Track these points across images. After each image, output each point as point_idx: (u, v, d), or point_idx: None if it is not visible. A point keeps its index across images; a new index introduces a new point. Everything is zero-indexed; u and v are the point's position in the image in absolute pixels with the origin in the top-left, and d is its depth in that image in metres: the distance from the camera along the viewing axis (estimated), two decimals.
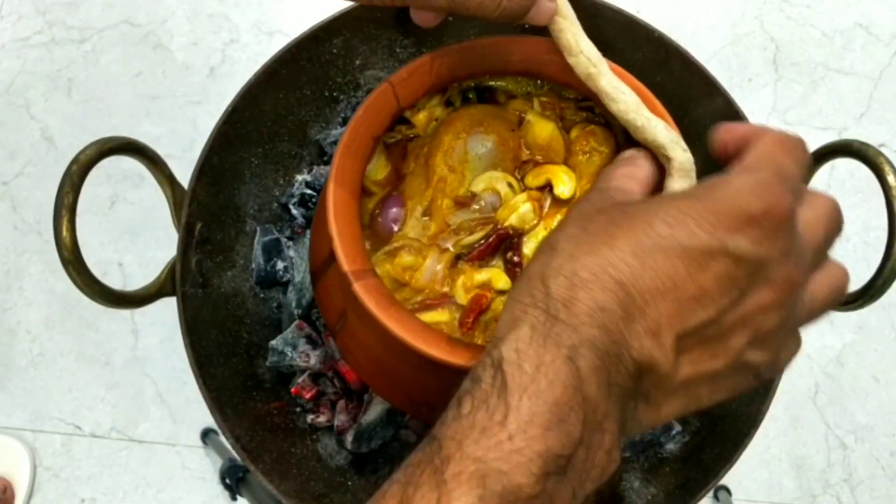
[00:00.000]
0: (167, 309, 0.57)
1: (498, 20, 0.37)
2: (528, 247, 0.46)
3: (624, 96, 0.40)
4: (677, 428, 0.66)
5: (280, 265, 0.69)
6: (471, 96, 0.49)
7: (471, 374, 0.29)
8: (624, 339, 0.29)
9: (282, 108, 0.68)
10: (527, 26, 0.40)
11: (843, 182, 1.16)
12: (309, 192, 0.71)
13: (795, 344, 0.34)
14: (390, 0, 0.36)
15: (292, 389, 0.66)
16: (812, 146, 0.56)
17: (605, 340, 0.28)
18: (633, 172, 0.36)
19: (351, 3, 0.40)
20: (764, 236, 0.30)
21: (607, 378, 0.28)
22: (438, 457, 0.27)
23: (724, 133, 0.35)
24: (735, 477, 1.07)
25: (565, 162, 0.47)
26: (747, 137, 0.34)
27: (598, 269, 0.29)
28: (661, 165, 0.41)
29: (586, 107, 0.48)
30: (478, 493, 0.26)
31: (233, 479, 0.98)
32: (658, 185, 0.40)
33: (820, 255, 0.33)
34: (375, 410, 0.65)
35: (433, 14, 0.39)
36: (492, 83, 0.49)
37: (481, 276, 0.45)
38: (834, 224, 0.33)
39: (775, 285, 0.30)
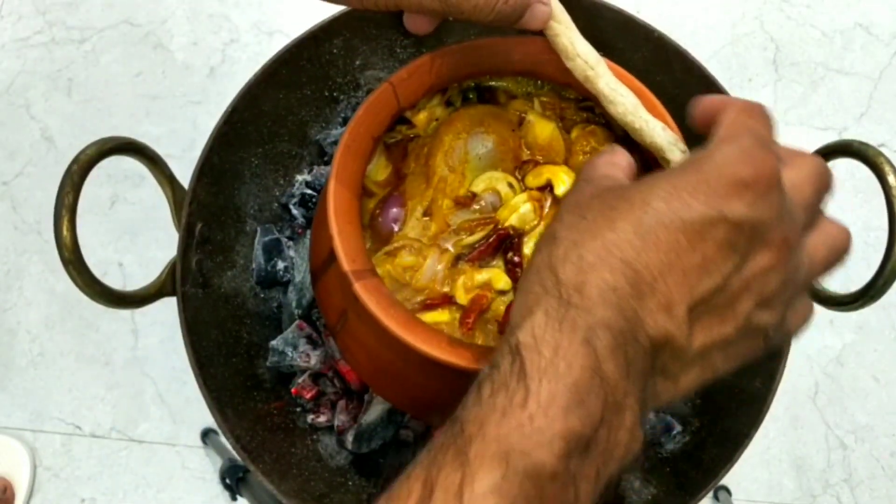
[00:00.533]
0: (167, 309, 0.57)
1: (492, 24, 0.37)
2: (529, 247, 0.46)
3: (622, 98, 0.40)
4: (677, 428, 0.66)
5: (280, 265, 0.69)
6: (471, 96, 0.49)
7: (491, 361, 0.29)
8: (637, 316, 0.29)
9: (282, 108, 0.68)
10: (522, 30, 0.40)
11: (843, 182, 1.16)
12: (309, 192, 0.71)
13: (805, 308, 0.35)
14: (384, 4, 0.36)
15: (292, 389, 0.66)
16: (812, 146, 0.56)
17: (620, 320, 0.29)
18: (614, 160, 0.36)
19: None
20: (757, 199, 0.31)
21: (625, 357, 0.28)
22: (461, 438, 0.27)
23: (697, 107, 0.36)
24: (735, 477, 1.07)
25: (566, 162, 0.47)
26: (716, 108, 0.35)
27: (604, 251, 0.29)
28: (642, 156, 0.41)
29: (587, 107, 0.48)
30: (501, 471, 0.26)
31: (233, 479, 0.98)
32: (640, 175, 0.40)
33: (812, 213, 0.34)
34: (376, 410, 0.65)
35: (426, 20, 0.39)
36: (492, 83, 0.49)
37: (482, 276, 0.45)
38: (821, 180, 0.34)
39: (773, 247, 0.31)
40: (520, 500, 0.26)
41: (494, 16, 0.36)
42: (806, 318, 0.35)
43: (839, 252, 0.35)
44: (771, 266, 0.32)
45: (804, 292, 0.35)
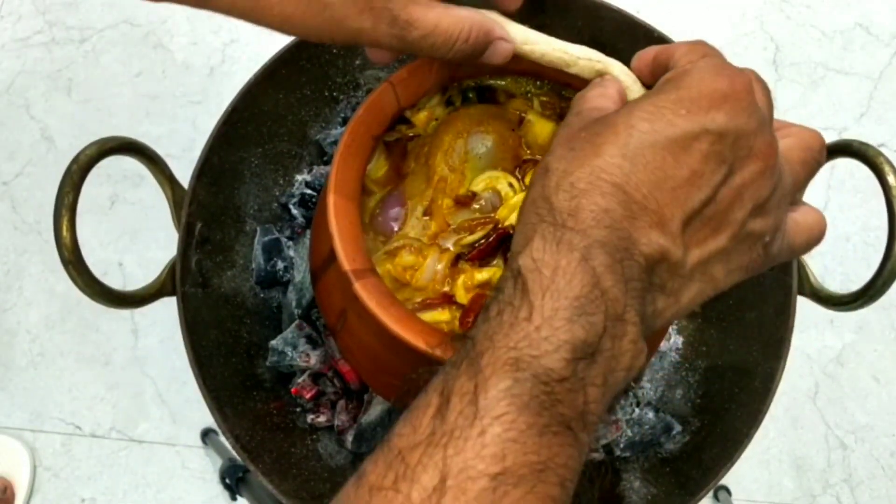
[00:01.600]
0: (167, 309, 0.57)
1: (453, 61, 0.37)
2: None
3: (574, 50, 0.39)
4: (677, 428, 0.66)
5: (280, 265, 0.69)
6: (471, 96, 0.49)
7: (494, 288, 0.31)
8: (631, 235, 0.30)
9: (282, 108, 0.68)
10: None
11: (843, 182, 1.16)
12: (309, 192, 0.71)
13: (808, 220, 0.37)
14: (342, 40, 0.36)
15: (292, 389, 0.66)
16: None
17: (614, 239, 0.30)
18: (603, 92, 0.37)
19: None
20: (736, 109, 0.32)
21: (622, 274, 0.29)
22: (473, 352, 0.29)
23: (643, 56, 0.38)
24: (735, 477, 1.07)
25: None
26: (667, 53, 0.36)
27: (594, 177, 0.30)
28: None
29: None
30: (512, 376, 0.27)
31: (233, 479, 0.98)
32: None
33: (798, 186, 0.36)
34: (375, 410, 0.65)
35: (386, 53, 0.39)
36: (492, 83, 0.49)
37: (482, 275, 0.45)
38: (808, 149, 0.36)
39: (759, 153, 0.33)
40: (532, 403, 0.27)
41: (453, 54, 0.37)
42: (811, 230, 0.37)
43: (816, 233, 0.37)
44: (759, 172, 0.33)
45: (803, 204, 0.37)
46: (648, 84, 0.38)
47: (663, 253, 0.31)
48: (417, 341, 0.40)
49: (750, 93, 0.33)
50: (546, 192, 0.31)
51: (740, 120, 0.32)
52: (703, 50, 0.35)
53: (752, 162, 0.32)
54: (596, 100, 0.36)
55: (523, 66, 0.43)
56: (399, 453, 0.28)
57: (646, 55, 0.37)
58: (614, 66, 0.39)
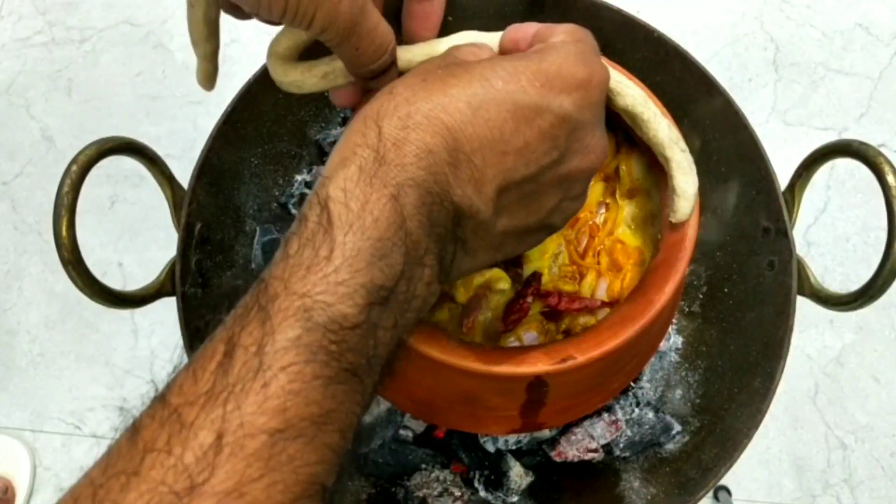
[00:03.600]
0: (167, 309, 0.57)
1: (361, 66, 0.36)
2: None
3: (629, 90, 0.40)
4: (677, 428, 0.66)
5: None
6: None
7: (299, 215, 0.29)
8: (448, 181, 0.30)
9: (281, 108, 0.68)
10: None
11: (843, 182, 1.16)
12: (308, 192, 0.71)
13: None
14: (311, 87, 0.37)
15: None
16: (812, 146, 0.56)
17: (430, 181, 0.30)
18: (476, 51, 0.36)
19: None
20: (584, 101, 0.32)
21: (429, 216, 0.30)
22: (265, 296, 0.28)
23: (514, 32, 0.37)
24: (735, 477, 1.07)
25: None
26: (549, 31, 0.35)
27: (431, 114, 0.30)
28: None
29: None
30: (302, 325, 0.27)
31: None
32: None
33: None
34: (375, 410, 0.65)
35: (350, 93, 0.39)
36: None
37: (481, 275, 0.44)
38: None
39: (590, 151, 0.34)
40: (320, 352, 0.27)
41: (378, 65, 0.36)
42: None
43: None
44: (583, 170, 0.34)
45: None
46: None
47: (473, 211, 0.31)
48: (417, 341, 0.40)
49: (602, 91, 0.33)
50: (381, 113, 0.30)
51: (585, 113, 0.33)
52: (579, 36, 0.35)
53: (582, 158, 0.33)
54: (467, 53, 0.36)
55: None
56: (175, 410, 0.26)
57: (526, 29, 0.37)
58: (662, 121, 0.40)
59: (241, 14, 0.36)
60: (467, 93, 0.31)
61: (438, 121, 0.30)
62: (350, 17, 0.32)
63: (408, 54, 0.38)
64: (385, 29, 0.34)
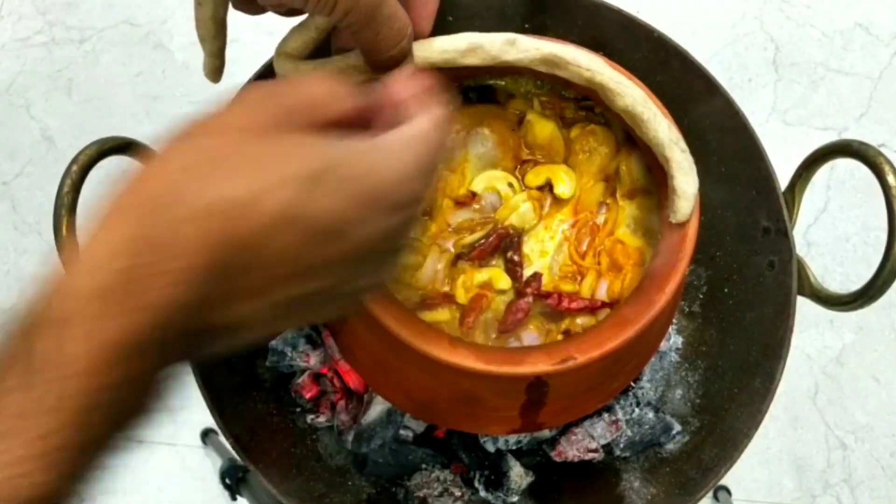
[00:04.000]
0: None
1: (380, 53, 0.36)
2: (529, 246, 0.46)
3: (629, 90, 0.40)
4: (677, 428, 0.66)
5: None
6: (471, 96, 0.49)
7: None
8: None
9: None
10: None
11: (843, 182, 1.16)
12: None
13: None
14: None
15: (292, 389, 0.66)
16: (812, 146, 0.56)
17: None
18: (337, 93, 0.30)
19: None
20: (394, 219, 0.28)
21: None
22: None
23: (388, 91, 0.30)
24: (735, 477, 1.07)
25: (565, 161, 0.47)
26: (406, 103, 0.30)
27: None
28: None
29: (586, 106, 0.48)
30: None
31: (233, 479, 0.98)
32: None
33: None
34: (375, 410, 0.65)
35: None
36: (492, 83, 0.48)
37: (482, 275, 0.44)
38: None
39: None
40: None
41: (398, 51, 0.36)
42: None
43: None
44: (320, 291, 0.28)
45: None
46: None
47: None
48: (417, 341, 0.40)
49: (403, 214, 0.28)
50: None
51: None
52: (434, 140, 0.29)
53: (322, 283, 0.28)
54: (322, 97, 0.30)
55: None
56: None
57: (398, 91, 0.30)
58: (662, 121, 0.39)
59: (252, 9, 0.35)
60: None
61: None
62: (371, 1, 0.32)
63: (425, 50, 0.38)
64: (403, 14, 0.34)
